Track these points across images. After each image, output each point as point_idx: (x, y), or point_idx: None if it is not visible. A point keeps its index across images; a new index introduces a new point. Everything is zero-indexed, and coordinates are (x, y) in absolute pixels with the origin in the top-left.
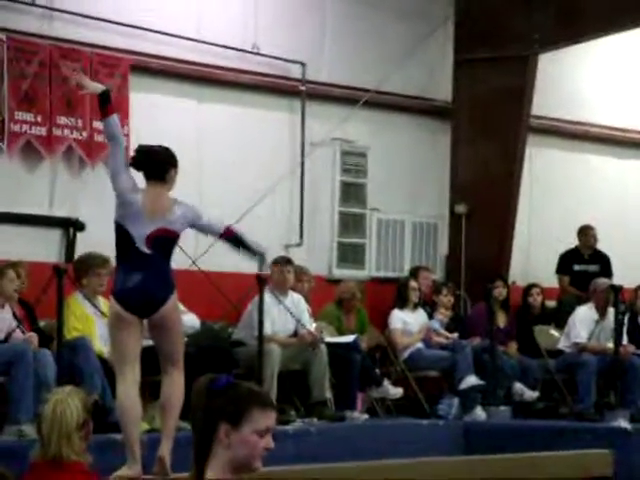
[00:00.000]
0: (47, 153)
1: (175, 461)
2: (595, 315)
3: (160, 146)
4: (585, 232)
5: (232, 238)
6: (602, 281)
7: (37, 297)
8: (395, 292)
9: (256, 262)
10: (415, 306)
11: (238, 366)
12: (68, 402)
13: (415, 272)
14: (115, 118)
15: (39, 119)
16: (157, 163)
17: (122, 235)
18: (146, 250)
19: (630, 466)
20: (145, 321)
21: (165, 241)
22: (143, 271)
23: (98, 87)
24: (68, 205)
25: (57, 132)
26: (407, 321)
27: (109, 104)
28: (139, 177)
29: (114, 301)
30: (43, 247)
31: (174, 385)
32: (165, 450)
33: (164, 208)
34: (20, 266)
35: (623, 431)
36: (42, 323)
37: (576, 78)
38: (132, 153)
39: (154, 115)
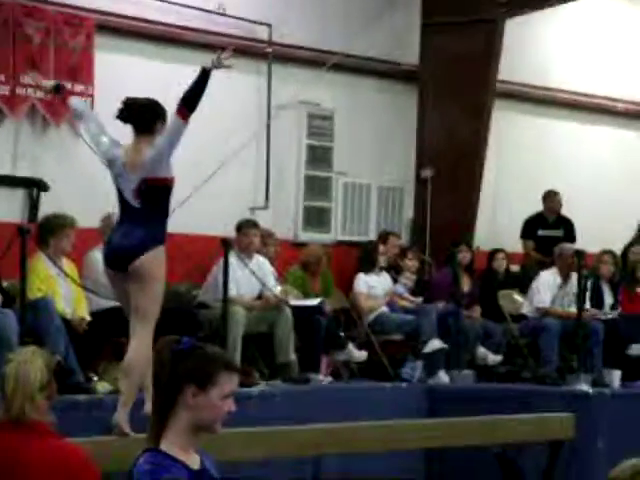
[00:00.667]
0: (10, 112)
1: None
2: (559, 280)
3: (147, 98)
4: (550, 197)
5: (190, 106)
6: (567, 246)
7: (0, 257)
8: (359, 256)
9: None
10: (380, 270)
11: (202, 328)
12: (32, 362)
13: (383, 237)
14: (73, 99)
15: (2, 78)
16: (144, 116)
17: (118, 193)
18: (136, 204)
19: (591, 429)
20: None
21: (153, 190)
22: (129, 224)
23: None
24: (32, 165)
25: (21, 91)
26: (372, 285)
27: (64, 92)
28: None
29: (102, 258)
30: (6, 207)
31: (138, 349)
32: (121, 416)
33: (144, 158)
34: None
35: (584, 395)
36: (5, 283)
37: (543, 43)
38: (107, 110)
39: (119, 75)
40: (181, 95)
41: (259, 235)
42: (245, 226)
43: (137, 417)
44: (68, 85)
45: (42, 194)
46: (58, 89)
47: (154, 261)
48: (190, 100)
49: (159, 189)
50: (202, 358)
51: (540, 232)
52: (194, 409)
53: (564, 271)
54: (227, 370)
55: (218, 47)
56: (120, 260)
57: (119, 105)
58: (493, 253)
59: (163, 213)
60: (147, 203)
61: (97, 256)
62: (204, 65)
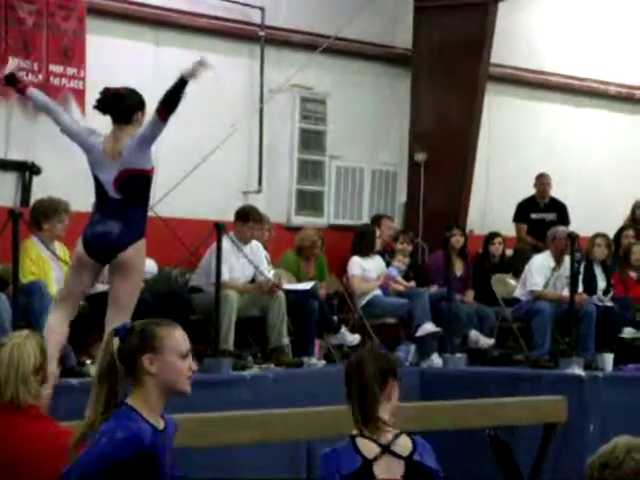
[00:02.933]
0: (2, 96)
1: None
2: (552, 263)
3: (126, 88)
4: (540, 180)
5: (169, 109)
6: (561, 229)
7: None
8: (354, 239)
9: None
10: (374, 253)
11: (195, 312)
12: (25, 346)
13: (377, 220)
14: (33, 91)
15: None
16: (123, 106)
17: (95, 181)
18: (116, 195)
19: (584, 412)
20: (106, 267)
21: (133, 181)
22: (109, 216)
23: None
24: (24, 149)
25: None
26: (366, 268)
27: (18, 83)
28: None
29: (80, 243)
30: None
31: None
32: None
33: (123, 148)
34: None
35: (577, 378)
36: None
37: (535, 26)
38: (97, 95)
39: (111, 58)
40: (161, 97)
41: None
42: (253, 219)
43: None
44: (60, 69)
45: (34, 177)
46: (11, 80)
47: (137, 254)
48: (169, 103)
49: (139, 180)
50: (145, 328)
51: (533, 215)
52: (157, 375)
53: (557, 254)
54: (169, 329)
55: (210, 30)
56: (102, 253)
57: (97, 95)
58: (490, 237)
59: (143, 204)
60: (127, 195)
61: None
62: (182, 73)
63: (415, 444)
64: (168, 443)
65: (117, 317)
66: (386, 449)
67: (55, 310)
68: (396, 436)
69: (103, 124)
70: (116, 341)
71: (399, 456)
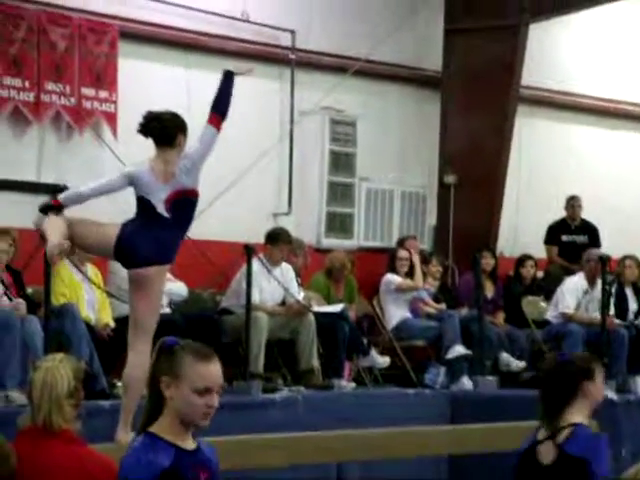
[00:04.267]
0: (35, 119)
1: None
2: (585, 285)
3: (167, 111)
4: (571, 202)
5: (222, 111)
6: (595, 251)
7: (25, 264)
8: (388, 261)
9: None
10: (405, 276)
11: (225, 334)
12: (59, 370)
13: (403, 242)
14: (67, 198)
15: (27, 85)
16: (166, 129)
17: (143, 203)
18: (165, 214)
19: (615, 436)
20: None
21: (185, 203)
22: (152, 229)
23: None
24: (56, 171)
25: (45, 98)
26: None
27: (53, 207)
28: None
29: (117, 228)
30: (31, 213)
31: (137, 363)
32: (121, 434)
33: (174, 170)
34: (9, 233)
35: (609, 401)
36: (30, 290)
37: (566, 49)
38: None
39: (142, 82)
40: (211, 104)
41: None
42: (282, 240)
43: None
44: (92, 92)
45: None
46: (48, 208)
47: (159, 276)
48: (220, 106)
49: (189, 202)
50: (178, 349)
51: (564, 238)
52: (173, 400)
53: (590, 277)
54: (196, 360)
55: (241, 54)
56: (127, 256)
57: (140, 120)
58: (521, 260)
59: (187, 226)
60: (175, 216)
61: None
62: (226, 68)
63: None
64: (202, 464)
65: (138, 338)
66: None
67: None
68: None
69: (134, 148)
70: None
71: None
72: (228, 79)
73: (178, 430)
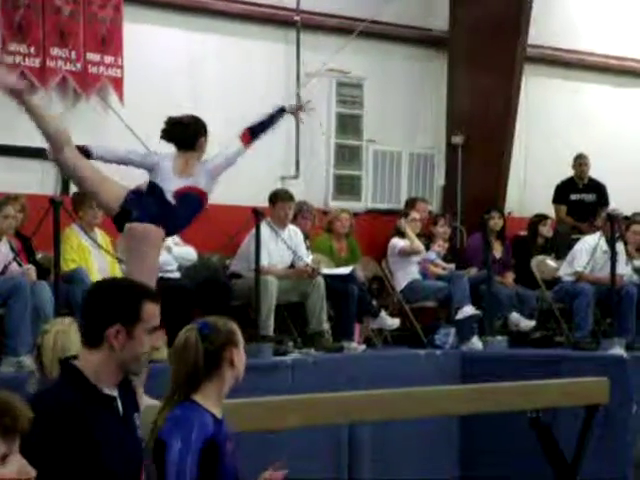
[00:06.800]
0: (41, 85)
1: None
2: (603, 245)
3: (188, 116)
4: (578, 161)
5: (256, 135)
6: (617, 212)
7: (34, 229)
8: (396, 222)
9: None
10: (417, 237)
11: (235, 298)
12: (68, 333)
13: (412, 203)
14: (98, 149)
15: (32, 50)
16: (186, 133)
17: (154, 187)
18: (170, 199)
19: (626, 394)
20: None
21: (192, 199)
22: (153, 202)
23: None
24: None
25: (50, 64)
26: None
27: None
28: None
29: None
30: (39, 179)
31: None
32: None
33: (193, 171)
34: (18, 200)
35: (619, 359)
36: (39, 255)
37: (573, 6)
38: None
39: (147, 46)
40: (250, 123)
41: (293, 207)
42: (281, 198)
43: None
44: (97, 57)
45: None
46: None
47: (150, 234)
48: (257, 132)
49: (196, 199)
50: (228, 323)
51: (572, 196)
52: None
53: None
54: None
55: (246, 16)
56: (124, 213)
57: (162, 125)
58: (539, 218)
59: (184, 220)
60: (181, 204)
61: None
62: (284, 106)
63: None
64: (227, 434)
65: None
66: None
67: None
68: None
69: (140, 112)
70: (196, 335)
71: None
72: (278, 115)
73: (222, 396)
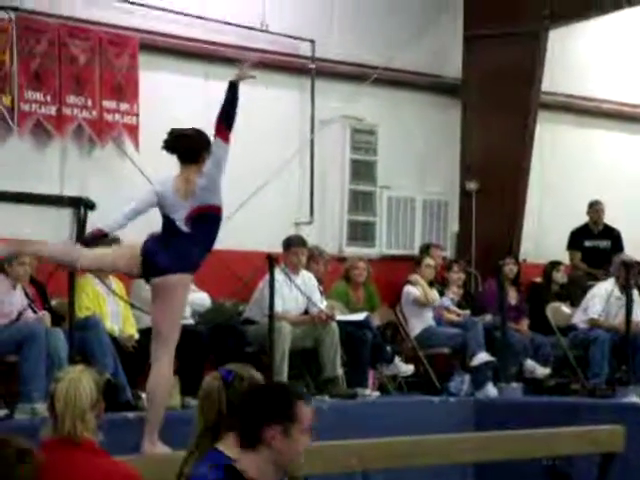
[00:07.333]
0: (57, 132)
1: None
2: (617, 292)
3: (192, 129)
4: (593, 208)
5: (228, 122)
6: (629, 258)
7: (49, 276)
8: (412, 268)
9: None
10: (429, 285)
11: (249, 344)
12: (81, 381)
13: (426, 249)
14: (109, 226)
15: (48, 98)
16: (190, 146)
17: (166, 219)
18: (185, 229)
19: None
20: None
21: (206, 219)
22: (172, 243)
23: None
24: (78, 184)
25: (67, 111)
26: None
27: (95, 238)
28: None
29: (139, 246)
30: (54, 226)
31: (160, 374)
32: (147, 445)
33: (194, 189)
34: None
35: (635, 406)
36: (54, 302)
37: (587, 53)
38: (165, 136)
39: (163, 93)
40: (217, 116)
41: (306, 253)
42: (294, 244)
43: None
44: (113, 104)
45: (89, 213)
46: (89, 241)
47: (181, 285)
48: (225, 117)
49: (210, 217)
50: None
51: (587, 243)
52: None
53: (622, 282)
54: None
55: (261, 64)
56: (149, 267)
57: (165, 136)
58: (552, 265)
59: (207, 241)
60: (196, 230)
61: None
62: (230, 79)
63: None
64: None
65: (160, 349)
66: None
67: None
68: None
69: (156, 160)
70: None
71: None
72: (231, 90)
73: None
